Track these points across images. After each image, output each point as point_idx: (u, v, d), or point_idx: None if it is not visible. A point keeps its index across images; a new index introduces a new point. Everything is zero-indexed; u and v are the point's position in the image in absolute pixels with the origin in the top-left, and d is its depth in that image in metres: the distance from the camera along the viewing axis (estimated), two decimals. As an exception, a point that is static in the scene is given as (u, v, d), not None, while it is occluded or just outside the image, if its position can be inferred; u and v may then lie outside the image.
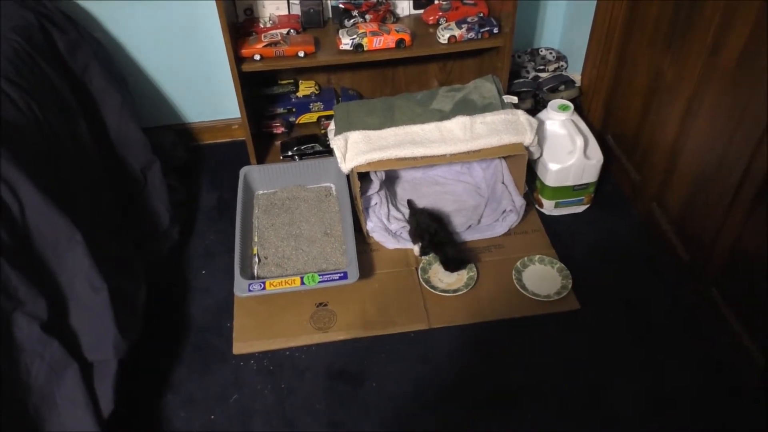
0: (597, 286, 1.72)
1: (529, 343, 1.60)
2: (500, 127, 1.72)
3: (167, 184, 1.86)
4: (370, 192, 1.81)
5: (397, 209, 1.88)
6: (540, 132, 1.82)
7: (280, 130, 2.15)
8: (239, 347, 1.61)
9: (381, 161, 1.67)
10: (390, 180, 1.98)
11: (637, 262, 1.79)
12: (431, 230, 1.74)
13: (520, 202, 1.81)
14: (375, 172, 1.77)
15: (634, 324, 1.64)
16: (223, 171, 2.12)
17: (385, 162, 1.67)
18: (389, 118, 1.78)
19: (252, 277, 1.72)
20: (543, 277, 1.73)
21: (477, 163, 1.96)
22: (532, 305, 1.67)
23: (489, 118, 1.74)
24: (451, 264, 1.71)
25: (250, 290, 1.60)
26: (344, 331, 1.63)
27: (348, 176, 1.78)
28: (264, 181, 1.97)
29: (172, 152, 2.11)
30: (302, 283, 1.61)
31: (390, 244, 1.81)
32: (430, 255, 1.77)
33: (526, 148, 1.73)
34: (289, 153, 2.06)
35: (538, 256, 1.77)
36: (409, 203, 1.88)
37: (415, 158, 1.68)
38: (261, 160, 2.08)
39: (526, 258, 1.77)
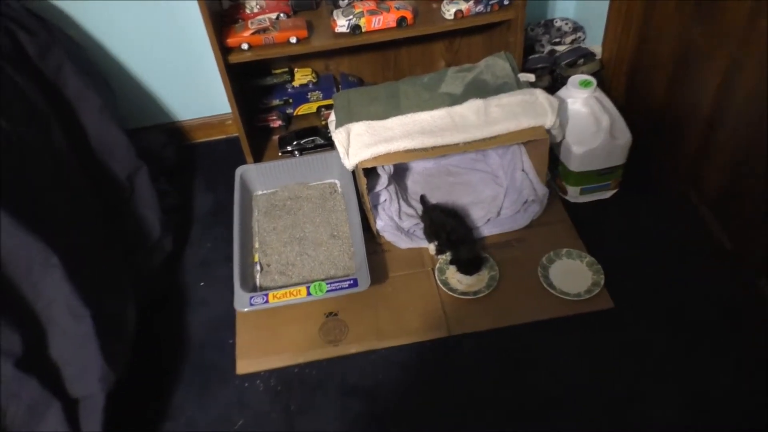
0: (630, 280, 1.57)
1: (559, 348, 1.46)
2: (518, 109, 1.55)
3: (157, 189, 1.72)
4: (378, 188, 1.65)
5: (409, 205, 1.73)
6: (561, 112, 1.65)
7: (277, 123, 1.99)
8: (243, 366, 1.47)
9: (388, 154, 1.51)
10: (399, 173, 1.82)
11: (673, 251, 1.63)
12: (447, 228, 1.59)
13: (542, 190, 1.65)
14: (383, 166, 1.62)
15: (673, 322, 1.48)
16: (218, 170, 1.97)
17: (393, 155, 1.52)
18: (394, 105, 1.61)
19: (254, 288, 1.58)
20: (572, 273, 1.58)
21: (493, 149, 1.79)
22: (561, 305, 1.51)
23: (505, 99, 1.57)
24: (465, 266, 1.56)
25: (251, 304, 1.46)
26: (357, 343, 1.49)
27: (353, 172, 1.63)
28: (262, 180, 1.82)
29: (162, 153, 1.97)
30: (308, 293, 1.47)
31: (403, 243, 1.66)
32: (447, 254, 1.61)
33: (548, 131, 1.57)
34: (288, 148, 1.91)
35: (565, 250, 1.62)
36: (422, 199, 1.72)
37: (425, 149, 1.52)
38: (258, 158, 1.93)
39: (552, 252, 1.61)
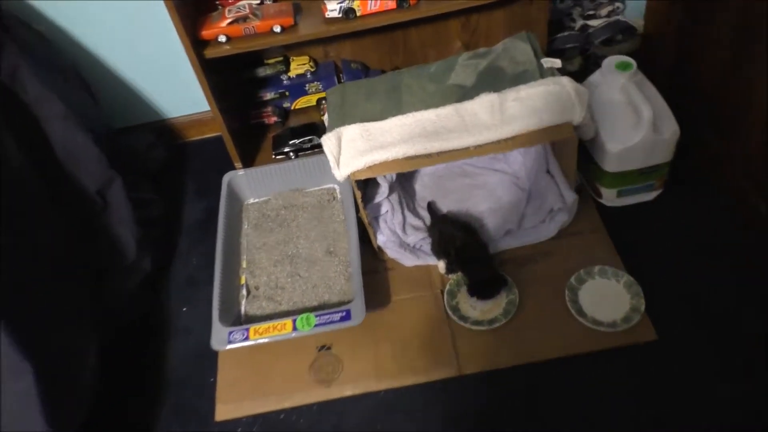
0: (679, 304, 1.32)
1: (591, 390, 1.23)
2: (540, 103, 1.30)
3: (137, 200, 1.54)
4: (378, 198, 1.43)
5: (416, 215, 1.50)
6: (593, 102, 1.39)
7: (273, 119, 1.78)
8: (223, 411, 1.30)
9: (385, 163, 1.29)
10: (405, 176, 1.60)
11: (731, 264, 1.37)
12: (457, 243, 1.36)
13: (570, 197, 1.41)
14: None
15: (731, 357, 1.23)
16: (211, 172, 1.76)
17: (391, 164, 1.29)
18: (395, 102, 1.38)
19: (238, 317, 1.40)
20: (606, 296, 1.34)
21: (513, 147, 1.54)
22: (593, 338, 1.28)
23: (524, 92, 1.32)
24: (478, 289, 1.34)
25: (230, 341, 1.27)
26: (352, 384, 1.29)
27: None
28: (254, 187, 1.62)
29: (149, 155, 1.79)
30: (294, 328, 1.27)
31: (408, 260, 1.45)
32: (459, 273, 1.39)
33: (576, 128, 1.31)
34: (283, 150, 1.70)
35: (598, 268, 1.37)
36: (430, 208, 1.49)
37: (429, 155, 1.29)
38: (251, 160, 1.73)
39: (582, 271, 1.37)
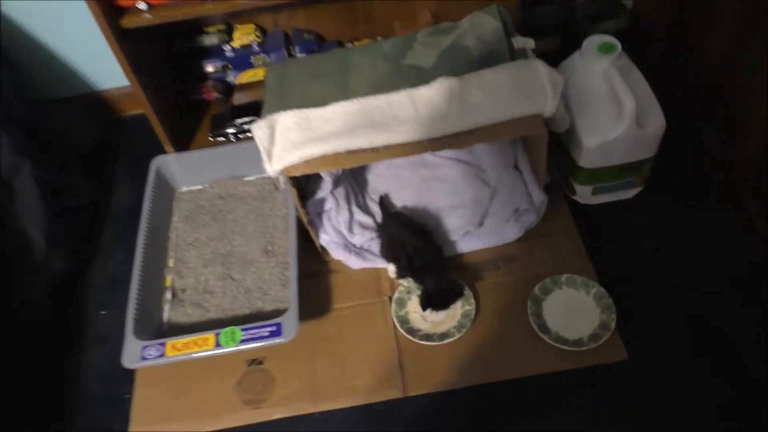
0: (654, 321, 1.17)
1: (551, 416, 1.09)
2: (507, 90, 1.12)
3: (60, 184, 1.37)
4: (321, 193, 1.26)
5: (366, 210, 1.34)
6: (570, 89, 1.22)
7: (214, 96, 1.59)
8: (137, 435, 1.14)
9: (324, 158, 1.11)
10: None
11: (718, 278, 1.22)
12: (408, 250, 1.20)
13: (539, 198, 1.25)
14: (325, 165, 1.22)
15: (713, 386, 1.09)
16: (147, 152, 1.56)
17: (330, 159, 1.11)
18: (341, 84, 1.20)
19: (159, 326, 1.24)
20: (573, 309, 1.19)
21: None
22: (556, 357, 1.13)
23: (489, 77, 1.13)
24: (430, 300, 1.18)
25: (144, 359, 1.11)
26: (284, 406, 1.14)
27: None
28: (187, 173, 1.44)
29: (78, 133, 1.60)
30: (217, 344, 1.11)
31: (354, 263, 1.29)
32: (410, 280, 1.23)
33: (547, 120, 1.14)
34: (223, 131, 1.52)
35: (566, 276, 1.22)
36: (382, 204, 1.33)
37: (375, 150, 1.11)
38: (187, 142, 1.55)
39: (548, 279, 1.22)
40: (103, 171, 1.60)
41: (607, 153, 1.24)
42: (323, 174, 1.24)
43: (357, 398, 1.14)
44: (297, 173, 1.12)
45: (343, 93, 1.17)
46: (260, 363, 1.19)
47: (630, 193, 1.36)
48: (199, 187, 1.45)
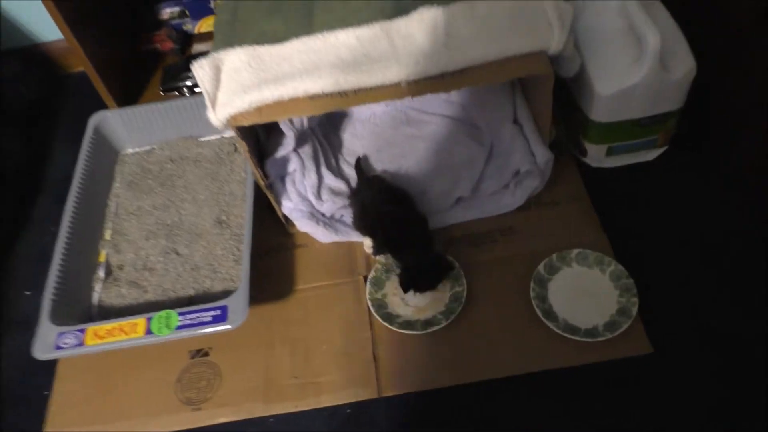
0: (684, 306, 0.97)
1: (556, 425, 0.88)
2: (503, 22, 0.91)
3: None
4: (283, 151, 1.05)
5: (339, 174, 1.13)
6: (579, 26, 1.01)
7: (168, 45, 1.38)
8: (53, 440, 0.95)
9: (280, 104, 0.90)
10: (330, 121, 1.21)
11: (753, 250, 1.01)
12: (387, 221, 0.99)
13: (544, 156, 1.03)
14: (288, 119, 1.01)
15: (750, 378, 0.88)
16: (92, 114, 1.37)
17: (289, 105, 0.90)
18: (304, 19, 0.98)
19: (89, 309, 1.03)
20: (585, 291, 0.98)
21: (469, 88, 1.16)
22: (565, 349, 0.93)
23: (482, 6, 0.92)
24: (413, 281, 0.98)
25: (58, 348, 0.91)
26: (231, 407, 0.94)
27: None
28: (133, 132, 1.24)
29: (12, 90, 1.39)
30: (148, 331, 0.91)
31: (323, 235, 1.08)
32: (389, 256, 1.03)
33: (554, 59, 0.93)
34: (176, 84, 1.31)
35: (576, 252, 1.01)
36: (358, 166, 1.11)
37: (343, 94, 0.90)
38: (136, 98, 1.34)
39: (555, 256, 1.01)
40: (43, 133, 1.39)
41: (624, 103, 1.03)
42: (284, 128, 1.03)
43: (321, 398, 0.94)
44: (247, 123, 0.91)
45: (306, 29, 0.96)
46: (206, 354, 0.99)
47: (651, 155, 1.14)
48: (147, 148, 1.24)
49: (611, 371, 0.91)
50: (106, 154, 1.21)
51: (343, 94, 0.90)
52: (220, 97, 0.92)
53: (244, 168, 1.16)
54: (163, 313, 0.92)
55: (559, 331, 0.93)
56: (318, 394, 0.94)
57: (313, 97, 0.90)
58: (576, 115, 1.09)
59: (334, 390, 0.94)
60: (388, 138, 1.19)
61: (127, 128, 1.22)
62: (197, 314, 0.91)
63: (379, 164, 1.15)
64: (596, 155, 1.13)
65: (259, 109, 0.90)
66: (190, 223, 1.11)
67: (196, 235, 1.10)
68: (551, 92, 0.95)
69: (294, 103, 0.90)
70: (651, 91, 1.01)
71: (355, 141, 1.19)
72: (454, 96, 1.21)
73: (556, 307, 0.97)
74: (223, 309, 0.91)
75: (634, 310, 0.93)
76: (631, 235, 1.04)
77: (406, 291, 0.98)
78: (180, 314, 0.91)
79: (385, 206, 1.00)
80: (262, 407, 0.93)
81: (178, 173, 1.19)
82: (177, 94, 1.30)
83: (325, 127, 1.19)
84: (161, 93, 1.32)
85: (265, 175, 1.05)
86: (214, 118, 0.92)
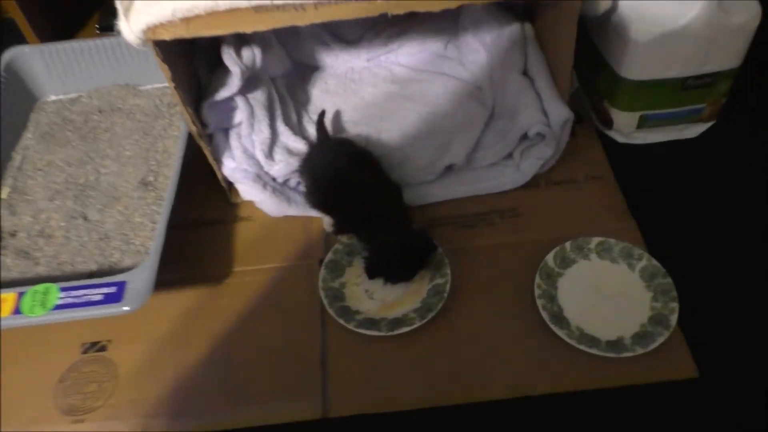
0: (730, 316, 0.72)
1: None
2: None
3: None
4: (225, 92, 0.82)
5: (301, 134, 0.90)
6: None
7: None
8: None
9: (215, 16, 0.67)
10: (297, 74, 0.99)
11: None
12: (347, 189, 0.76)
13: (561, 115, 0.80)
14: (228, 48, 0.78)
15: None
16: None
17: (225, 17, 0.67)
18: None
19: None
20: (607, 291, 0.74)
21: (472, 34, 0.94)
22: (578, 367, 0.69)
23: None
24: (382, 266, 0.74)
25: None
26: (125, 420, 0.70)
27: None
28: (57, 76, 1.01)
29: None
30: (17, 311, 0.67)
31: (272, 206, 0.85)
32: (351, 237, 0.79)
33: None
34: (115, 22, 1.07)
35: (597, 241, 0.77)
36: (320, 123, 0.88)
37: (299, 7, 0.68)
38: (70, 34, 1.12)
39: (569, 244, 0.77)
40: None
41: (666, 55, 0.80)
42: (229, 62, 0.80)
43: (247, 415, 0.69)
44: (168, 36, 0.68)
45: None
46: (102, 349, 0.75)
47: (693, 130, 0.91)
48: (73, 95, 1.02)
49: (639, 398, 0.67)
50: (20, 99, 0.98)
51: (299, 8, 0.68)
52: (136, 4, 0.69)
53: (182, 124, 0.93)
54: (40, 287, 0.68)
55: (572, 342, 0.69)
56: (244, 410, 0.69)
57: (259, 9, 0.67)
58: (600, 74, 0.87)
59: (264, 404, 0.70)
60: (366, 96, 0.96)
61: (49, 69, 1.00)
62: (85, 291, 0.67)
63: (352, 125, 0.92)
64: (624, 126, 0.90)
65: (187, 21, 0.68)
66: (109, 183, 0.88)
67: (113, 198, 0.86)
68: (575, 24, 0.73)
69: (233, 15, 0.67)
70: (703, 39, 0.78)
71: (325, 97, 0.97)
72: (451, 51, 0.98)
73: (568, 310, 0.73)
74: (120, 286, 0.68)
75: (674, 320, 0.69)
76: (664, 228, 0.81)
77: (371, 277, 0.74)
78: (62, 290, 0.68)
79: (346, 171, 0.76)
80: (166, 423, 0.69)
81: (105, 126, 0.97)
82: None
83: (290, 80, 0.97)
84: (97, 32, 1.09)
85: (203, 125, 0.81)
86: (127, 29, 0.69)
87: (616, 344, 0.69)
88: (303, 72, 1.00)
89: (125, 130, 0.95)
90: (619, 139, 0.91)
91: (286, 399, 0.70)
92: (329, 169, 0.77)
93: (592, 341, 0.69)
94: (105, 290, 0.67)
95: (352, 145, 0.81)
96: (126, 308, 0.66)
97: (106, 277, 0.69)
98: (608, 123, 0.90)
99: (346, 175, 0.76)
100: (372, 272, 0.74)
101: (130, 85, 1.01)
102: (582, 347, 0.68)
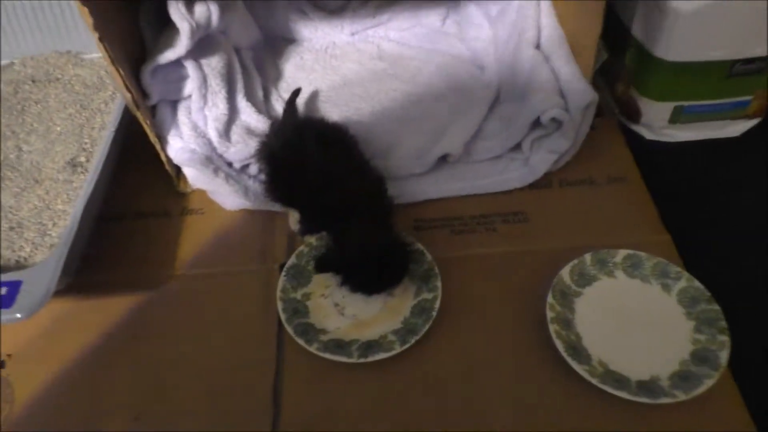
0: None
1: None
2: None
3: None
4: (171, 54, 0.66)
5: (264, 112, 0.74)
6: None
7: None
8: None
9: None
10: (268, 47, 0.84)
11: None
12: (321, 181, 0.60)
13: (584, 96, 0.65)
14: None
15: None
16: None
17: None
18: None
19: None
20: (637, 317, 0.59)
21: (476, 5, 0.79)
22: (602, 414, 0.53)
23: None
24: (357, 275, 0.58)
25: None
26: (15, 460, 0.54)
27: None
28: (-14, 37, 0.86)
29: None
30: None
31: (226, 196, 0.70)
32: (321, 237, 0.64)
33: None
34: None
35: (625, 253, 0.62)
36: (291, 102, 0.73)
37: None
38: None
39: (589, 257, 0.62)
40: None
41: (713, 30, 0.66)
42: (176, 16, 0.65)
43: (171, 457, 0.53)
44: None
45: None
46: (-2, 366, 0.59)
47: (736, 128, 0.77)
48: (5, 62, 0.86)
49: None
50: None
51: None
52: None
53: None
54: None
55: (594, 381, 0.53)
56: (168, 450, 0.54)
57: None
58: (627, 56, 0.72)
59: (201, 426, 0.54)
60: (348, 74, 0.82)
61: (-22, 28, 0.84)
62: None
63: (330, 106, 0.78)
64: (655, 120, 0.75)
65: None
66: (32, 163, 0.73)
67: (34, 180, 0.71)
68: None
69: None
70: (758, 12, 0.64)
71: (299, 74, 0.82)
72: (450, 26, 0.84)
73: (588, 339, 0.58)
74: (13, 286, 0.52)
75: (723, 357, 0.54)
76: (699, 244, 0.66)
77: (354, 290, 0.59)
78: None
79: (314, 155, 0.61)
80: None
81: (37, 97, 0.81)
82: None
83: (257, 54, 0.82)
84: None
85: (144, 95, 0.66)
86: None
87: (650, 386, 0.54)
88: (274, 44, 0.85)
89: (59, 103, 0.80)
90: (647, 135, 0.77)
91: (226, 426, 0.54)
92: (293, 152, 0.61)
93: (620, 382, 0.54)
94: (-13, 292, 0.52)
95: (323, 124, 0.66)
96: (18, 315, 0.51)
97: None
98: (634, 116, 0.76)
99: (314, 159, 0.61)
100: (346, 280, 0.59)
101: (72, 53, 0.86)
102: (606, 388, 0.53)
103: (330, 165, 0.61)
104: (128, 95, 0.63)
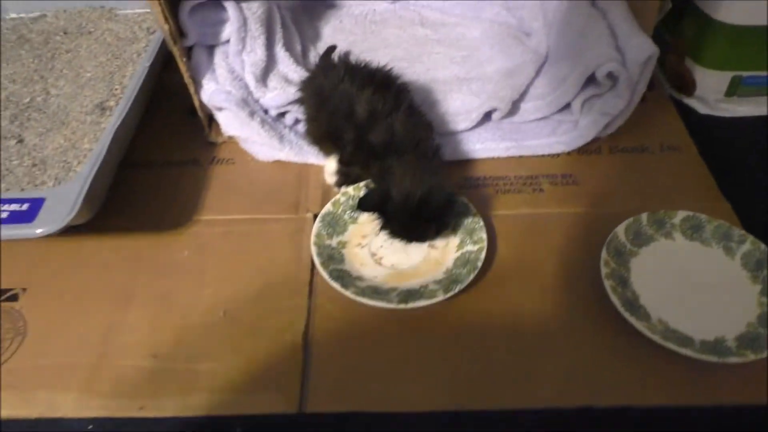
0: None
1: None
2: None
3: None
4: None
5: (301, 63, 0.71)
6: None
7: None
8: None
9: None
10: (306, 11, 0.82)
11: None
12: (362, 116, 0.57)
13: (643, 49, 0.62)
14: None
15: None
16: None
17: None
18: None
19: None
20: (697, 279, 0.55)
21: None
22: (664, 373, 0.49)
23: None
24: (400, 221, 0.54)
25: None
26: (21, 392, 0.50)
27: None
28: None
29: None
30: None
31: (260, 145, 0.66)
32: (359, 186, 0.60)
33: None
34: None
35: (684, 215, 0.58)
36: (326, 55, 0.70)
37: None
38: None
39: (645, 216, 0.58)
40: None
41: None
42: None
43: (193, 400, 0.49)
44: None
45: None
46: (12, 298, 0.55)
47: (795, 106, 0.73)
48: (36, 14, 0.85)
49: (743, 421, 0.47)
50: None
51: None
52: None
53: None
54: (-76, 195, 0.49)
55: (655, 337, 0.49)
56: (188, 392, 0.49)
57: None
58: (681, 22, 0.69)
59: (220, 389, 0.49)
60: (389, 38, 0.79)
61: (11, -21, 0.83)
62: (-16, 205, 0.48)
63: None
64: (711, 92, 0.72)
65: None
66: (59, 106, 0.70)
67: (60, 122, 0.68)
68: None
69: None
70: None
71: (339, 36, 0.79)
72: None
73: (646, 298, 0.53)
74: (35, 203, 0.49)
75: (795, 320, 0.50)
76: (761, 216, 0.62)
77: (393, 235, 0.55)
78: (-47, 202, 0.49)
79: (359, 93, 0.57)
80: (76, 401, 0.49)
81: (67, 47, 0.79)
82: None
83: (296, 13, 0.79)
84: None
85: (181, 34, 0.64)
86: None
87: (714, 346, 0.49)
88: (313, 9, 0.83)
89: (90, 53, 0.78)
90: (701, 109, 0.73)
91: (250, 385, 0.50)
92: (342, 87, 0.58)
93: (683, 340, 0.49)
94: (13, 207, 0.48)
95: (373, 66, 0.63)
96: (38, 230, 0.47)
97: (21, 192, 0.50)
98: (688, 88, 0.72)
99: (363, 94, 0.57)
100: (387, 224, 0.55)
101: (105, 8, 0.85)
102: (670, 345, 0.48)
103: (379, 102, 0.58)
104: (166, 26, 0.60)
